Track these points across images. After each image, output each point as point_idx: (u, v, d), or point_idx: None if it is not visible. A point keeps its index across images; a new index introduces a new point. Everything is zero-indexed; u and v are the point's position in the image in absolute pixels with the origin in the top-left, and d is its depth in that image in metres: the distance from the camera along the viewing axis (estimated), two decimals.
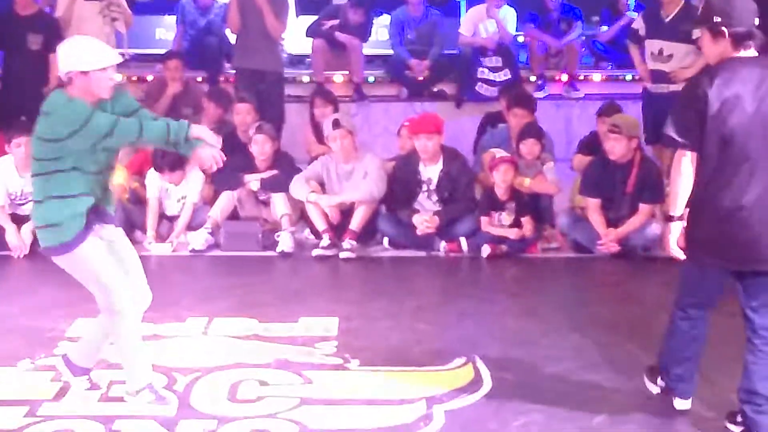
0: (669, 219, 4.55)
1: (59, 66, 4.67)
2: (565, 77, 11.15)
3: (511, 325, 6.21)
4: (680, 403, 4.80)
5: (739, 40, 4.40)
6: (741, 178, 4.35)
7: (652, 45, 8.91)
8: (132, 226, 8.18)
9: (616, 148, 7.77)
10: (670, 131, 4.43)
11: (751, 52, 4.41)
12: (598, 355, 5.59)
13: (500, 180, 7.93)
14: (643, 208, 7.72)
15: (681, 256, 4.55)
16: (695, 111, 4.35)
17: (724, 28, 4.38)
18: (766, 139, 4.34)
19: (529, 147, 8.26)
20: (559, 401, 4.96)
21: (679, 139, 4.40)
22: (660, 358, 4.87)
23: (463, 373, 5.33)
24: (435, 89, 11.07)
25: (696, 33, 5.39)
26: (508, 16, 11.13)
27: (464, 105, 10.81)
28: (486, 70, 10.82)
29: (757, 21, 4.40)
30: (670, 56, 8.80)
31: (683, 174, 4.42)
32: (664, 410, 4.83)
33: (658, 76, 8.87)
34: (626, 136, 7.73)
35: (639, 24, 9.17)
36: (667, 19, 8.80)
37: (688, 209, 4.50)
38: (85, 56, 4.63)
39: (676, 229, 4.52)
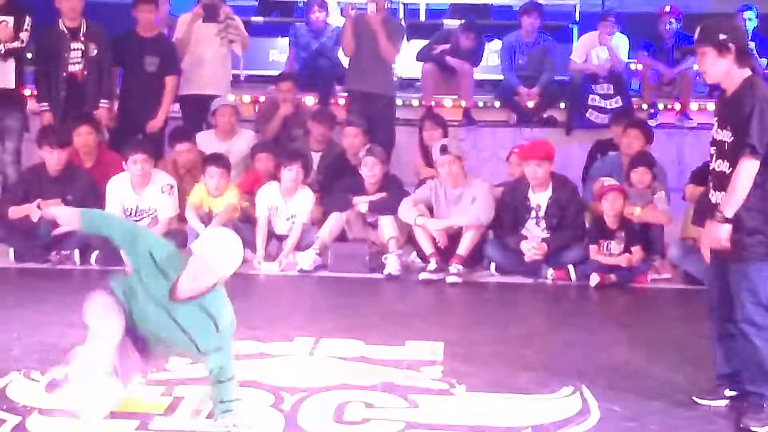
0: (726, 220, 4.80)
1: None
2: (678, 106, 10.99)
3: (619, 356, 6.12)
4: None
5: (743, 58, 4.79)
6: None
7: None
8: (242, 244, 8.27)
9: None
10: (755, 141, 4.69)
11: (747, 71, 4.79)
12: (707, 389, 5.45)
13: (609, 208, 7.85)
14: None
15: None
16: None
17: (731, 45, 4.75)
18: None
19: (639, 176, 8.16)
20: None
21: (760, 149, 4.71)
22: None
23: (570, 402, 5.27)
24: (545, 115, 11.01)
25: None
26: (621, 43, 11.04)
27: (574, 132, 10.73)
28: (597, 97, 10.73)
29: (752, 45, 4.73)
30: None
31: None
32: None
33: None
34: None
35: None
36: None
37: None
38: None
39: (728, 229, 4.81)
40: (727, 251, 4.87)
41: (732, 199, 4.77)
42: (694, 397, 5.27)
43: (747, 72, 4.82)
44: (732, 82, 4.83)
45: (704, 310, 7.28)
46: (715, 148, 4.97)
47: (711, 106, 11.05)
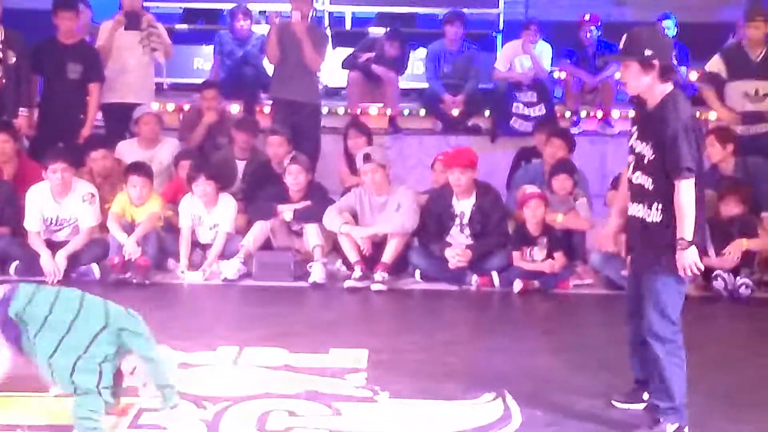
0: (689, 244, 4.73)
1: None
2: (600, 114, 11.13)
3: (541, 362, 6.19)
4: None
5: (665, 73, 4.76)
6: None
7: (744, 86, 8.93)
8: (165, 254, 8.24)
9: None
10: (689, 162, 4.69)
11: (669, 86, 4.78)
12: (626, 393, 5.53)
13: (531, 215, 7.94)
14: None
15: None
16: (696, 141, 4.76)
17: (655, 61, 4.72)
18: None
19: (561, 182, 8.26)
20: None
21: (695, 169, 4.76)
22: None
23: (492, 408, 5.31)
24: (470, 123, 11.07)
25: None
26: (544, 51, 11.16)
27: (499, 140, 10.80)
28: (521, 105, 10.81)
29: (674, 57, 4.85)
30: (766, 95, 8.82)
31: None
32: None
33: (754, 117, 8.87)
34: None
35: (718, 66, 9.11)
36: (758, 59, 8.85)
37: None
38: None
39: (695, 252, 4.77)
40: (644, 264, 4.93)
41: (686, 222, 4.73)
42: (612, 401, 5.34)
43: (669, 86, 4.80)
44: (653, 97, 4.81)
45: (623, 314, 7.44)
46: (633, 158, 4.94)
47: (632, 113, 11.29)
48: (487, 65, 11.20)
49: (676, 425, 4.87)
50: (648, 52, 4.72)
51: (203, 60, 11.93)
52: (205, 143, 9.74)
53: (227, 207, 8.37)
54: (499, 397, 5.43)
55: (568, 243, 8.11)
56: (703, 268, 4.84)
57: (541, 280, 7.85)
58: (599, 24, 11.08)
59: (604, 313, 7.60)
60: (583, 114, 11.14)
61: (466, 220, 8.10)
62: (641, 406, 5.22)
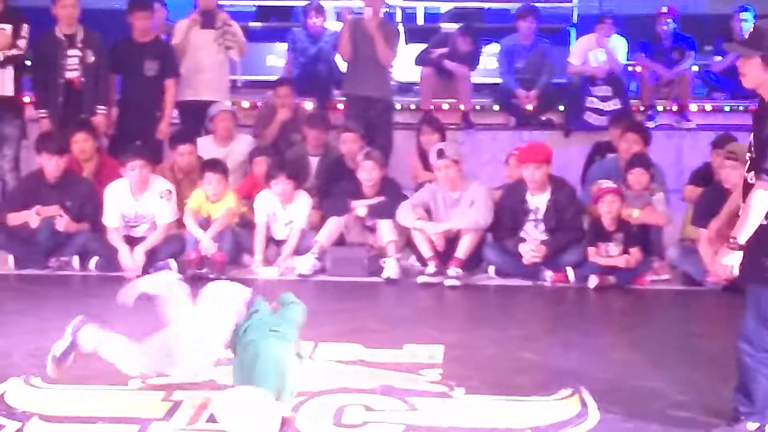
0: (739, 247, 4.57)
1: None
2: (676, 107, 11.00)
3: (617, 358, 6.13)
4: None
5: None
6: None
7: None
8: (240, 249, 8.32)
9: (732, 175, 7.62)
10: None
11: None
12: (703, 390, 5.47)
13: (606, 210, 7.87)
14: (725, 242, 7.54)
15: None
16: None
17: None
18: None
19: (637, 177, 8.18)
20: None
21: None
22: None
23: (569, 404, 5.26)
24: (543, 118, 11.02)
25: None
26: (619, 45, 11.06)
27: (573, 134, 10.74)
28: (595, 100, 10.75)
29: None
30: None
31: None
32: None
33: None
34: (742, 164, 7.58)
35: None
36: None
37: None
38: None
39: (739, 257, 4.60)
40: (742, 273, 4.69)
41: (743, 224, 4.56)
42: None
43: None
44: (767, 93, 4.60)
45: (703, 311, 7.38)
46: (748, 155, 4.76)
47: (709, 107, 11.16)
48: (561, 60, 11.14)
49: (757, 425, 4.77)
50: None
51: (276, 57, 12.04)
52: (279, 140, 9.81)
53: (302, 203, 8.42)
54: (575, 393, 5.38)
55: (645, 238, 8.02)
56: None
57: (616, 275, 7.78)
58: (676, 17, 10.95)
59: (681, 309, 7.52)
60: (659, 108, 11.03)
61: (540, 216, 8.06)
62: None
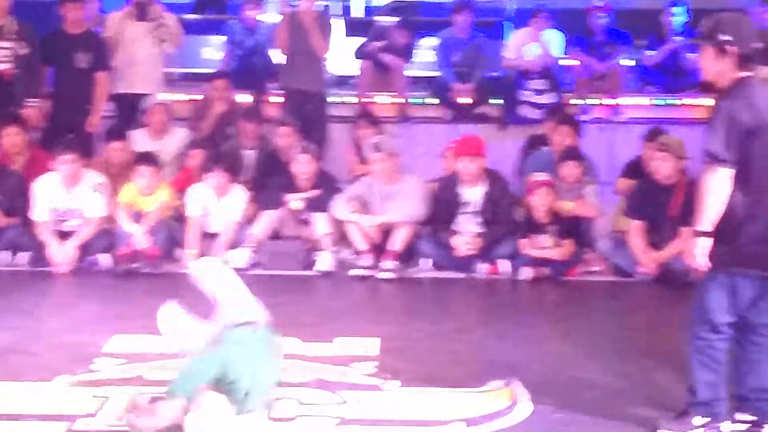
0: (700, 234, 4.55)
1: None
2: (609, 101, 11.10)
3: (550, 349, 6.19)
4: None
5: (742, 62, 4.54)
6: None
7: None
8: (174, 243, 8.26)
9: (663, 167, 7.75)
10: (714, 147, 4.47)
11: (749, 73, 4.55)
12: (636, 381, 5.54)
13: (539, 203, 7.94)
14: (686, 231, 7.65)
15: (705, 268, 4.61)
16: (737, 129, 4.45)
17: (732, 48, 4.53)
18: None
19: (569, 169, 8.25)
20: (597, 425, 4.94)
21: (723, 156, 4.46)
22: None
23: (501, 395, 5.30)
24: (479, 111, 11.06)
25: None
26: (553, 38, 11.14)
27: (508, 127, 10.78)
28: (530, 93, 10.80)
29: (759, 45, 4.55)
30: None
31: (723, 190, 4.48)
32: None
33: None
34: (674, 156, 7.72)
35: None
36: None
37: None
38: None
39: (706, 244, 4.55)
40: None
41: (701, 211, 4.54)
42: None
43: (745, 75, 4.58)
44: (724, 84, 4.61)
45: (634, 302, 7.48)
46: None
47: (642, 101, 11.28)
48: (497, 53, 11.18)
49: (707, 419, 4.73)
50: (725, 38, 4.54)
51: (213, 49, 11.94)
52: (215, 133, 9.74)
53: (237, 197, 8.38)
54: (508, 384, 5.42)
55: (577, 230, 8.10)
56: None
57: (549, 267, 7.85)
58: (610, 11, 11.05)
59: (613, 300, 7.63)
60: (592, 101, 11.12)
61: (475, 209, 8.11)
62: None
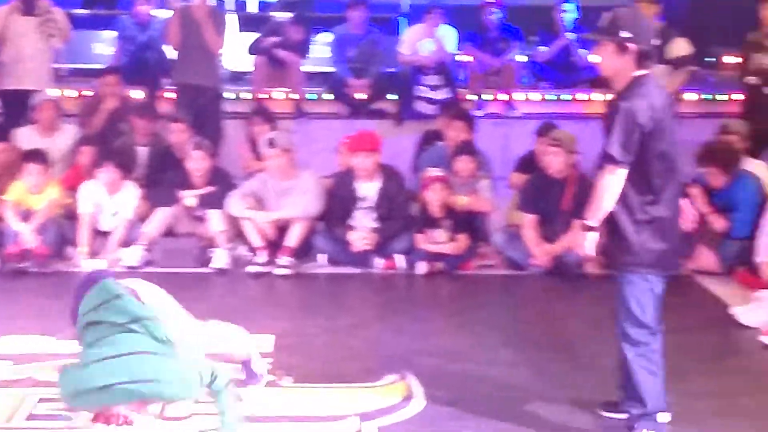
0: (590, 228, 4.63)
1: None
2: (503, 96, 11.22)
3: (445, 342, 6.24)
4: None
5: (642, 58, 4.54)
6: (675, 191, 4.67)
7: None
8: (65, 242, 8.11)
9: (555, 162, 7.86)
10: (613, 150, 4.47)
11: (646, 71, 4.54)
12: (529, 372, 5.63)
13: (433, 198, 7.99)
14: (578, 224, 7.77)
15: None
16: (637, 131, 4.48)
17: (631, 45, 4.50)
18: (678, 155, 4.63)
19: (463, 164, 8.32)
20: (490, 417, 5.00)
21: (621, 158, 4.49)
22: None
23: (396, 389, 5.34)
24: (375, 107, 11.09)
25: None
26: (447, 34, 11.20)
27: (404, 123, 10.81)
28: (425, 89, 10.84)
29: (656, 41, 4.57)
30: None
31: (618, 190, 4.54)
32: (595, 423, 4.90)
33: None
34: (566, 151, 7.83)
35: None
36: None
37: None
38: None
39: (594, 237, 4.64)
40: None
41: (592, 207, 4.62)
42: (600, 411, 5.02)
43: (643, 73, 4.58)
44: (623, 81, 4.59)
45: (527, 294, 7.58)
46: None
47: (535, 96, 11.44)
48: (392, 49, 11.21)
49: None
50: (625, 35, 4.51)
51: (104, 45, 11.76)
52: (106, 129, 9.58)
53: (129, 194, 8.26)
54: (402, 378, 5.46)
55: (471, 224, 8.17)
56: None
57: (444, 261, 7.90)
58: (503, 7, 11.17)
59: (506, 292, 7.71)
60: (487, 97, 11.22)
61: (370, 204, 8.12)
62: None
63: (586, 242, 4.65)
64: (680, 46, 9.43)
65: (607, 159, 4.51)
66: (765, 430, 4.93)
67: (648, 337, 4.63)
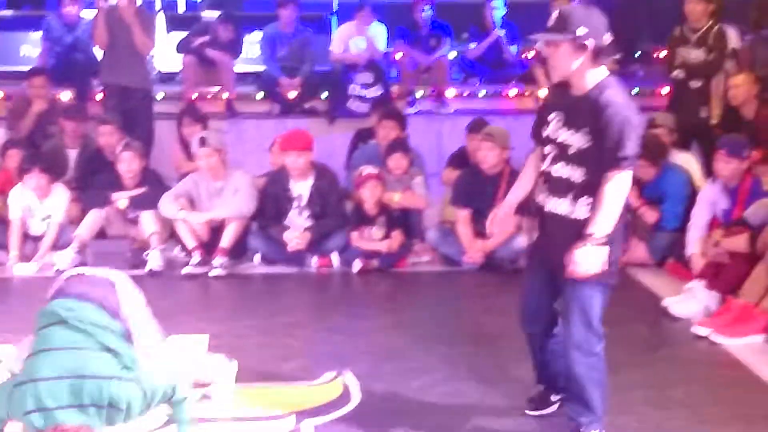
0: (598, 243, 4.30)
1: None
2: (434, 93, 11.27)
3: (380, 339, 6.26)
4: None
5: (598, 55, 4.32)
6: None
7: None
8: None
9: (489, 157, 7.91)
10: (629, 150, 4.28)
11: (604, 69, 4.38)
12: (464, 367, 5.67)
13: (368, 196, 8.01)
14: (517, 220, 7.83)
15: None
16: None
17: (589, 42, 4.28)
18: None
19: (396, 161, 8.35)
20: (426, 413, 5.03)
21: (635, 159, 4.36)
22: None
23: (332, 387, 5.34)
24: (307, 106, 11.06)
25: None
26: (378, 32, 11.21)
27: (336, 121, 10.81)
28: (357, 87, 10.84)
29: (609, 37, 4.35)
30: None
31: (626, 194, 4.38)
32: (528, 421, 4.94)
33: None
34: (499, 146, 7.89)
35: None
36: None
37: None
38: None
39: (605, 253, 4.32)
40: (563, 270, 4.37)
41: (607, 217, 4.30)
42: (526, 411, 4.98)
43: (603, 70, 4.37)
44: (583, 81, 4.35)
45: (461, 290, 7.63)
46: (553, 148, 4.45)
47: (465, 92, 11.49)
48: (323, 47, 11.20)
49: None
50: (582, 31, 4.25)
51: (31, 46, 11.59)
52: (35, 132, 9.47)
53: (59, 197, 8.17)
54: (338, 376, 5.47)
55: (406, 221, 8.21)
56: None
57: (379, 259, 7.92)
58: (433, 4, 11.21)
59: (441, 289, 7.75)
60: (418, 94, 11.26)
61: (304, 203, 8.11)
62: (553, 409, 4.97)
63: (593, 260, 4.29)
64: None
65: (621, 161, 4.26)
66: (697, 419, 5.01)
67: (598, 345, 4.52)
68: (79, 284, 4.58)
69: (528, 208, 4.71)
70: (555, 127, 4.44)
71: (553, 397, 4.98)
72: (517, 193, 4.76)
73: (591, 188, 4.34)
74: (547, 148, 4.48)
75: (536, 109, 4.81)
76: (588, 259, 4.28)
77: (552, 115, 4.46)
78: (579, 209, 4.39)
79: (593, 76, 4.34)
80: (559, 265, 4.38)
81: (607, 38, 4.34)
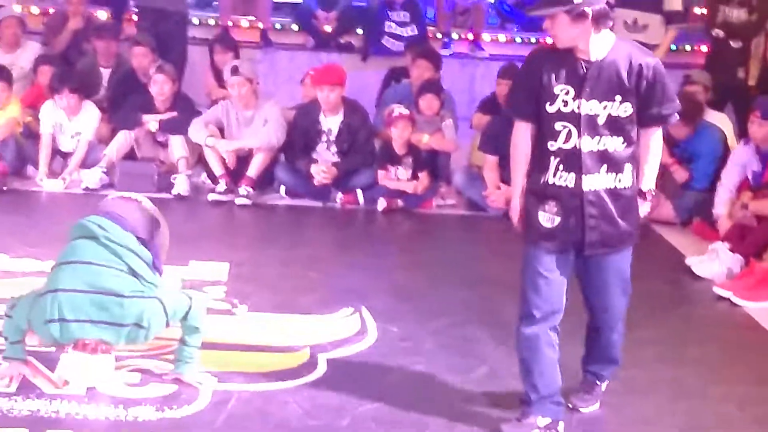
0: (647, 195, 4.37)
1: None
2: (470, 36, 11.19)
3: (400, 279, 6.28)
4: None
5: (601, 21, 4.08)
6: None
7: (625, 15, 8.95)
8: (24, 160, 8.05)
9: None
10: (677, 106, 4.26)
11: (610, 33, 4.15)
12: (482, 311, 5.69)
13: (397, 135, 7.98)
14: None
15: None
16: None
17: (587, 9, 4.04)
18: None
19: (428, 102, 8.31)
20: (441, 354, 5.06)
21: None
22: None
23: (349, 322, 5.38)
24: (342, 41, 11.01)
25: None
26: None
27: (370, 58, 10.77)
28: (393, 25, 10.78)
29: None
30: (646, 26, 8.95)
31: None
32: None
33: None
34: None
35: None
36: None
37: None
38: None
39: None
40: (618, 241, 4.30)
41: (654, 171, 4.36)
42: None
43: (610, 34, 4.16)
44: (596, 48, 4.11)
45: (483, 235, 7.62)
46: (571, 122, 4.14)
47: (502, 38, 11.40)
48: None
49: (548, 420, 4.33)
50: (577, 1, 4.03)
51: None
52: (70, 49, 9.47)
53: (90, 115, 8.18)
54: (356, 312, 5.51)
55: (433, 163, 8.19)
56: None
57: (404, 199, 7.92)
58: None
59: (464, 232, 7.76)
60: (454, 36, 11.18)
61: (332, 137, 8.10)
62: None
63: (645, 214, 4.43)
64: (674, 1, 9.37)
65: (668, 117, 4.25)
66: (711, 378, 5.02)
67: None
68: (120, 206, 4.64)
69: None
70: (566, 100, 4.15)
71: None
72: (523, 178, 4.38)
73: (631, 156, 4.23)
74: (558, 125, 4.17)
75: (515, 83, 4.54)
76: (645, 215, 4.40)
77: (558, 89, 4.16)
78: (625, 178, 4.23)
79: (602, 42, 4.13)
80: (594, 242, 4.25)
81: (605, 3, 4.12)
